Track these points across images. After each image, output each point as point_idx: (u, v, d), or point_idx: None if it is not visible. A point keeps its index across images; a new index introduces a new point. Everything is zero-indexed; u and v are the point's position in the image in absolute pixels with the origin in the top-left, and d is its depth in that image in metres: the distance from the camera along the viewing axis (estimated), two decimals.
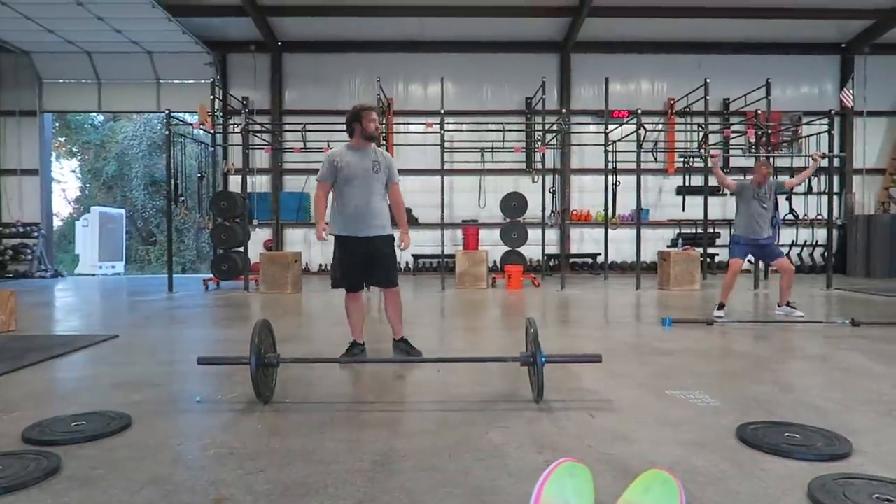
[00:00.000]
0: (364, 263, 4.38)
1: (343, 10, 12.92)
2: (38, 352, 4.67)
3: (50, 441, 2.62)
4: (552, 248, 13.78)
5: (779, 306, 6.72)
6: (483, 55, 14.26)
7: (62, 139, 24.59)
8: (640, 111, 10.50)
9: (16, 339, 5.39)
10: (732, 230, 6.97)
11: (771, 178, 6.90)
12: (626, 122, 12.24)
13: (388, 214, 4.45)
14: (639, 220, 10.48)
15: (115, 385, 3.75)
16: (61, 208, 25.03)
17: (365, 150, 4.35)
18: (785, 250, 13.63)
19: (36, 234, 14.30)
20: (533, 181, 12.28)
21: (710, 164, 7.00)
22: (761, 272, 11.11)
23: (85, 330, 6.12)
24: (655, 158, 12.56)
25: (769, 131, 11.43)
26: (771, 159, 6.82)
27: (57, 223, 21.79)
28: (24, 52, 14.09)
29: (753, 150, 11.89)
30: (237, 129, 11.62)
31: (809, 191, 13.32)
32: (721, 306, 6.65)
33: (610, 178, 12.22)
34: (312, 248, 14.32)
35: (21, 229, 14.25)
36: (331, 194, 4.45)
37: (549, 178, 12.65)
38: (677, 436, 2.74)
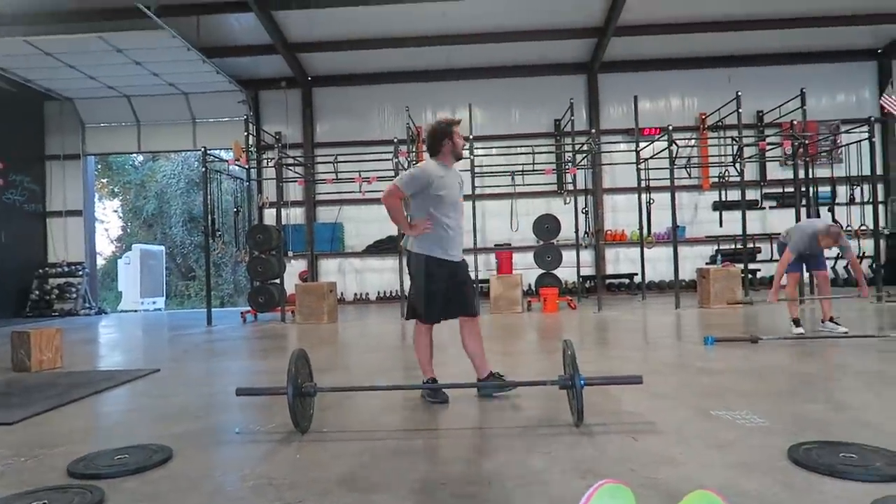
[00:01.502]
0: (450, 291, 3.97)
1: (369, 42, 13.19)
2: (83, 387, 4.77)
3: (94, 475, 2.65)
4: (587, 270, 13.61)
5: (822, 322, 6.44)
6: (510, 80, 14.35)
7: (104, 180, 25.47)
8: (670, 128, 10.40)
9: (62, 375, 5.52)
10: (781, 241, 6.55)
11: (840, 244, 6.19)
12: (658, 140, 12.14)
13: None
14: (675, 237, 10.30)
15: (156, 418, 3.79)
16: (104, 247, 25.80)
17: (454, 170, 4.07)
18: (830, 262, 13.27)
19: (80, 273, 14.73)
20: (565, 202, 12.21)
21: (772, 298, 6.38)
22: (807, 286, 10.74)
23: (128, 365, 6.23)
24: (689, 174, 12.40)
25: (806, 142, 11.18)
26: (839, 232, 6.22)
27: (100, 262, 22.42)
28: (67, 99, 14.71)
29: (790, 162, 11.64)
30: (271, 164, 11.89)
31: (852, 201, 12.93)
32: (797, 322, 6.27)
33: (643, 196, 12.05)
34: (347, 277, 14.46)
35: (66, 269, 14.69)
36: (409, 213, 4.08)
37: (581, 199, 12.54)
38: (725, 458, 2.64)
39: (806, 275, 6.76)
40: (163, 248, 20.97)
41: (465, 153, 10.77)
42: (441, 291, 3.93)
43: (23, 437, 3.42)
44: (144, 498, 2.41)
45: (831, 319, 6.38)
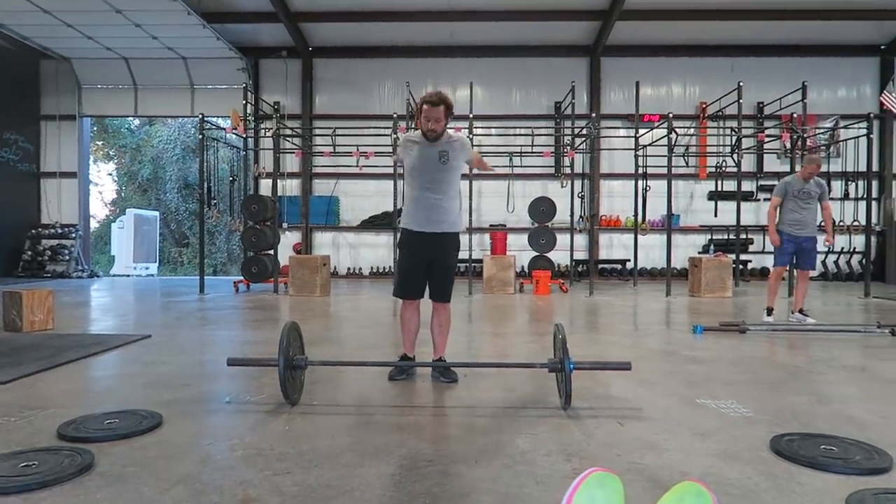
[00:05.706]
0: (424, 268, 3.95)
1: (373, 15, 13.05)
2: (73, 350, 4.79)
3: (84, 438, 2.68)
4: (581, 254, 13.66)
5: (792, 313, 6.91)
6: (512, 59, 14.23)
7: (100, 143, 25.20)
8: (671, 115, 10.33)
9: (53, 337, 5.53)
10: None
11: (820, 181, 6.84)
12: (657, 127, 12.12)
13: (458, 212, 3.93)
14: (669, 225, 10.31)
15: (147, 384, 3.82)
16: (98, 210, 25.64)
17: (436, 143, 3.93)
18: (821, 257, 13.36)
19: (73, 235, 14.69)
20: (562, 186, 12.20)
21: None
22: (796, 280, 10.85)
23: (119, 329, 6.25)
24: (687, 163, 12.41)
25: (805, 135, 11.19)
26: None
27: (94, 225, 22.35)
28: (64, 59, 14.52)
29: (788, 155, 11.67)
30: (268, 134, 11.79)
31: (846, 196, 12.98)
32: (769, 311, 6.86)
33: (640, 183, 12.06)
34: (340, 251, 14.48)
35: (59, 230, 14.67)
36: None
37: (577, 183, 12.55)
38: (709, 446, 2.69)
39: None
40: (157, 213, 20.85)
41: (465, 132, 10.82)
42: (414, 266, 3.97)
43: (13, 397, 3.44)
44: (133, 463, 2.44)
45: (801, 311, 6.79)
